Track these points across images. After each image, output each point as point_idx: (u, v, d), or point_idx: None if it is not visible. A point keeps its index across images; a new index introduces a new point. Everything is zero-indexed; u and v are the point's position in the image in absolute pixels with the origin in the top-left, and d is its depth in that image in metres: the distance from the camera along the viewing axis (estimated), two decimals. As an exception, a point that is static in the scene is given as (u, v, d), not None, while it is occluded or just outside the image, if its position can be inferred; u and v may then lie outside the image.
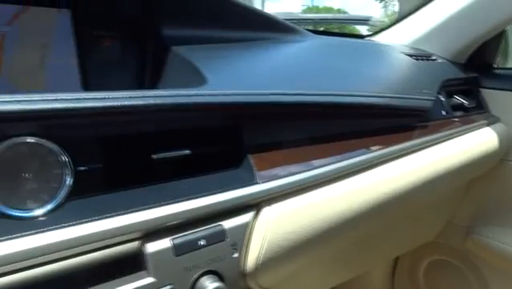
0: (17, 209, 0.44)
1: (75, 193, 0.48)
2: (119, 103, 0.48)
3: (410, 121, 0.92)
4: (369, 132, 0.81)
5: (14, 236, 0.41)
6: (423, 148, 0.88)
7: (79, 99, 0.46)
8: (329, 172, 0.66)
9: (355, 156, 0.72)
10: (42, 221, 0.44)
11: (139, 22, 0.77)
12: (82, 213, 0.46)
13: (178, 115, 0.55)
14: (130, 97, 0.49)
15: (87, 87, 0.73)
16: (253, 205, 0.58)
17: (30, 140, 0.45)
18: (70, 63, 0.73)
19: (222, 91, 0.57)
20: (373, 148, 0.78)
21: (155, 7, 0.74)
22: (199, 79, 0.64)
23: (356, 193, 0.70)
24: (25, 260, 0.41)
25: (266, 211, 0.59)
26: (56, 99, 0.45)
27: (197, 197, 0.52)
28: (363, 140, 0.78)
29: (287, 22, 1.00)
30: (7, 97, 0.42)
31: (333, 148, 0.73)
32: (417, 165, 0.84)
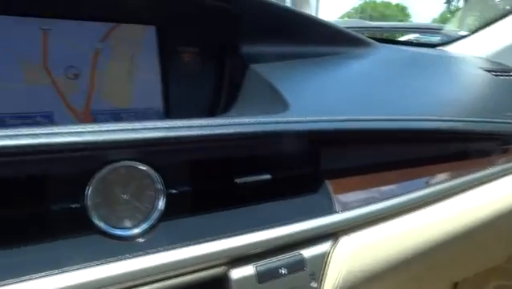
0: (116, 228, 0.47)
1: (166, 214, 0.50)
2: (210, 132, 0.49)
3: (491, 146, 0.87)
4: (448, 158, 0.77)
5: (115, 258, 0.44)
6: (506, 175, 0.83)
7: (174, 127, 0.48)
8: (409, 201, 0.64)
9: (434, 184, 0.70)
10: (139, 243, 0.47)
11: (220, 38, 0.78)
12: (173, 237, 0.48)
13: (262, 141, 0.56)
14: (221, 125, 0.51)
15: (167, 99, 0.76)
16: (331, 234, 0.58)
17: (129, 164, 0.48)
18: (153, 77, 0.76)
19: (302, 118, 0.58)
20: (453, 174, 0.75)
21: (237, 25, 0.75)
22: (277, 102, 0.64)
23: (436, 222, 0.68)
24: (124, 282, 0.44)
25: (344, 241, 0.58)
26: (155, 128, 0.47)
27: (279, 225, 0.53)
28: (442, 166, 0.75)
29: (356, 33, 0.98)
30: (112, 126, 0.45)
31: (411, 174, 0.71)
32: (502, 193, 0.80)
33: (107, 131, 0.44)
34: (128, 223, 0.49)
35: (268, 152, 0.60)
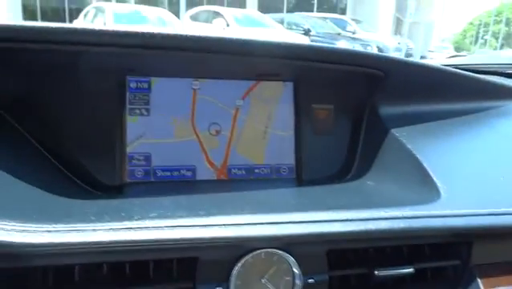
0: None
1: (302, 302, 0.50)
2: (355, 229, 0.48)
3: None
4: None
5: None
6: None
7: (317, 221, 0.47)
8: None
9: None
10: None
11: (358, 97, 0.76)
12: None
13: (412, 235, 0.52)
14: (365, 219, 0.49)
15: (300, 156, 0.76)
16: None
17: (271, 250, 0.49)
18: (288, 134, 0.77)
19: (456, 212, 0.52)
20: None
21: (377, 86, 0.72)
22: (420, 177, 0.59)
23: None
24: None
25: None
26: (297, 222, 0.47)
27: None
28: None
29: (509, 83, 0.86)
30: (258, 218, 0.46)
31: None
32: None
33: (256, 223, 0.45)
34: (264, 306, 0.50)
35: (414, 245, 0.56)
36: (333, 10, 15.51)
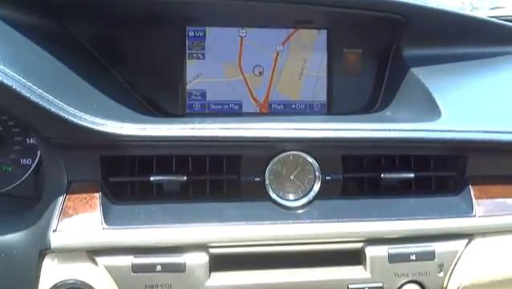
0: (283, 199, 0.64)
1: (321, 195, 0.64)
2: (367, 136, 0.61)
3: None
4: None
5: (280, 221, 0.61)
6: None
7: (336, 129, 0.61)
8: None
9: None
10: (298, 213, 0.63)
11: (384, 41, 0.86)
12: (325, 213, 0.63)
13: (413, 145, 0.64)
14: (377, 129, 0.62)
15: (331, 94, 0.89)
16: (467, 234, 0.64)
17: (297, 153, 0.63)
18: (321, 75, 0.90)
19: (452, 128, 0.63)
20: None
21: (402, 31, 0.82)
22: (431, 108, 0.70)
23: None
24: (283, 239, 0.61)
25: (478, 243, 0.64)
26: (321, 129, 0.61)
27: (415, 219, 0.62)
28: None
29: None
30: (289, 125, 0.61)
31: None
32: None
33: (287, 129, 0.60)
34: (291, 197, 0.65)
35: (416, 155, 0.68)
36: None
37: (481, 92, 0.77)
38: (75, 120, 0.55)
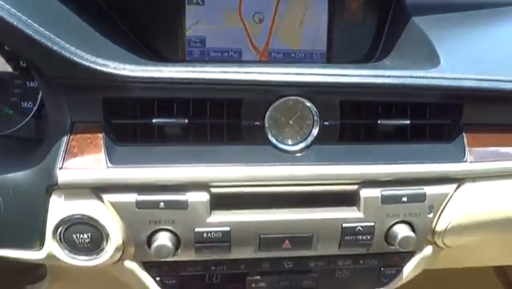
0: (282, 143, 0.66)
1: (318, 139, 0.66)
2: (364, 81, 0.62)
3: None
4: None
5: (279, 164, 0.63)
6: None
7: (335, 74, 0.62)
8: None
9: None
10: (296, 156, 0.65)
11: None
12: (322, 157, 0.65)
13: (409, 92, 0.65)
14: (373, 76, 0.63)
15: (331, 44, 0.89)
16: (458, 179, 0.67)
17: (297, 98, 0.65)
18: (322, 24, 0.89)
19: (447, 75, 0.64)
20: None
21: None
22: (430, 56, 0.71)
23: None
24: (282, 181, 0.63)
25: (468, 187, 0.67)
26: (319, 74, 0.62)
27: (408, 164, 0.64)
28: None
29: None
30: (289, 70, 0.62)
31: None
32: None
33: (287, 73, 0.61)
34: (290, 142, 0.67)
35: (413, 102, 0.69)
36: None
37: (482, 42, 0.78)
38: (77, 59, 0.55)
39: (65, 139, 0.60)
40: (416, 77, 0.63)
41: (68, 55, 0.54)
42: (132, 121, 0.65)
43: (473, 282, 1.69)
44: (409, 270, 0.73)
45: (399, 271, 0.73)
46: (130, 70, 0.58)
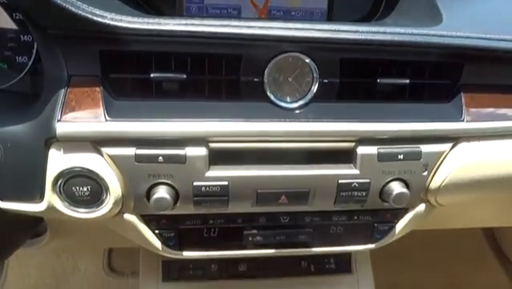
0: (281, 101, 0.66)
1: (317, 97, 0.66)
2: (364, 37, 0.61)
3: None
4: None
5: (278, 120, 0.63)
6: None
7: (335, 30, 0.61)
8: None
9: None
10: (295, 113, 0.65)
11: None
12: (320, 114, 0.65)
13: (409, 50, 0.65)
14: (373, 32, 0.62)
15: (331, 2, 0.87)
16: (453, 138, 0.67)
17: (297, 55, 0.64)
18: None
19: (449, 33, 0.64)
20: None
21: None
22: (431, 15, 0.70)
23: None
24: (280, 137, 0.63)
25: (463, 146, 0.68)
26: (320, 30, 0.61)
27: (405, 122, 0.65)
28: None
29: None
30: (289, 25, 0.61)
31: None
32: None
33: (287, 28, 0.60)
34: (289, 99, 0.67)
35: (413, 61, 0.69)
36: None
37: (486, 2, 0.76)
38: (74, 9, 0.54)
39: (62, 92, 0.60)
40: (417, 34, 0.62)
41: (65, 5, 0.53)
42: (130, 75, 0.65)
43: (462, 248, 1.74)
44: (401, 226, 0.76)
45: (391, 228, 0.75)
46: (127, 21, 0.57)
